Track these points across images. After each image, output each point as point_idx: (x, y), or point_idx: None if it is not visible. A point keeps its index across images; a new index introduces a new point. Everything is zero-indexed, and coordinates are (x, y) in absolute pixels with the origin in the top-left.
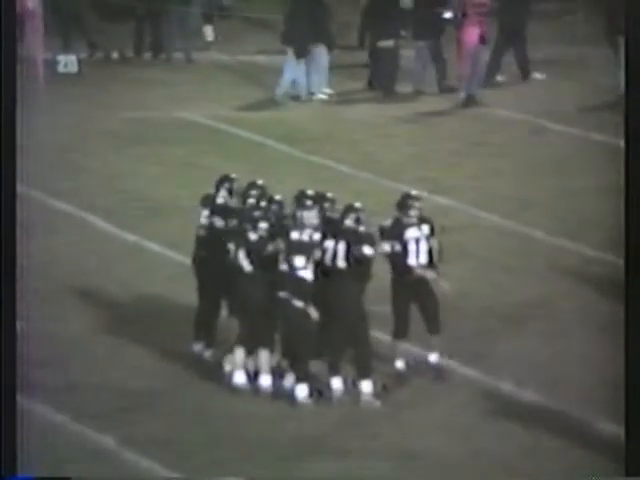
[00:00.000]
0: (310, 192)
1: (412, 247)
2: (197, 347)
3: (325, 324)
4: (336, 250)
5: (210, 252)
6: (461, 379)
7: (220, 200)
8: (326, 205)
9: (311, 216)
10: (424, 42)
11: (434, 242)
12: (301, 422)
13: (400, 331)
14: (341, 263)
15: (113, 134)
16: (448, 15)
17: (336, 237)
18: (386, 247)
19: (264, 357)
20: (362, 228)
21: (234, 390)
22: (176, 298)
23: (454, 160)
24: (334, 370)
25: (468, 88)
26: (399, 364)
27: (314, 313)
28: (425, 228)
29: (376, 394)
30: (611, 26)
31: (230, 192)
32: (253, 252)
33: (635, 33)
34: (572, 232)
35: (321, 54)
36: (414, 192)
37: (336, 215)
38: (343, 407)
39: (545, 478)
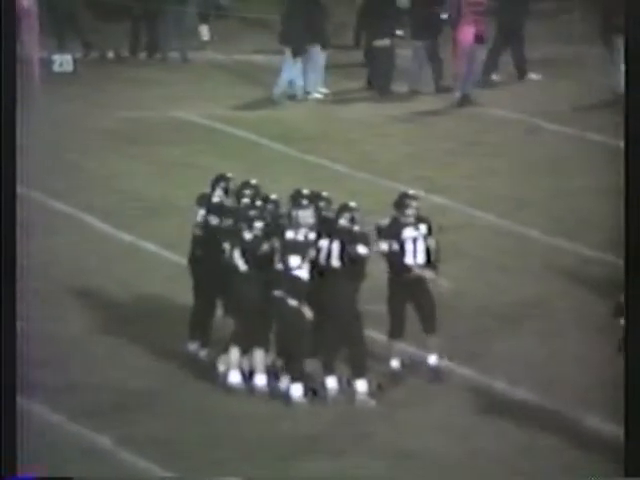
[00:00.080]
0: (306, 191)
1: (409, 246)
2: (192, 347)
3: (320, 323)
4: (330, 249)
5: (205, 251)
6: (456, 378)
7: (216, 199)
8: (322, 204)
9: (307, 215)
10: (421, 42)
11: (431, 241)
12: (296, 421)
13: (396, 330)
14: (335, 262)
15: (109, 134)
16: (445, 15)
17: (330, 236)
18: (383, 246)
19: (259, 356)
20: (356, 227)
21: (229, 390)
22: (175, 298)
23: (450, 159)
24: (329, 369)
25: (463, 87)
26: (394, 363)
27: (308, 312)
28: (422, 227)
29: (371, 393)
30: (608, 25)
31: (226, 191)
32: (248, 251)
33: (635, 32)
34: (568, 232)
35: (318, 53)
36: (411, 191)
37: (332, 214)
38: (338, 406)
39: (543, 479)
